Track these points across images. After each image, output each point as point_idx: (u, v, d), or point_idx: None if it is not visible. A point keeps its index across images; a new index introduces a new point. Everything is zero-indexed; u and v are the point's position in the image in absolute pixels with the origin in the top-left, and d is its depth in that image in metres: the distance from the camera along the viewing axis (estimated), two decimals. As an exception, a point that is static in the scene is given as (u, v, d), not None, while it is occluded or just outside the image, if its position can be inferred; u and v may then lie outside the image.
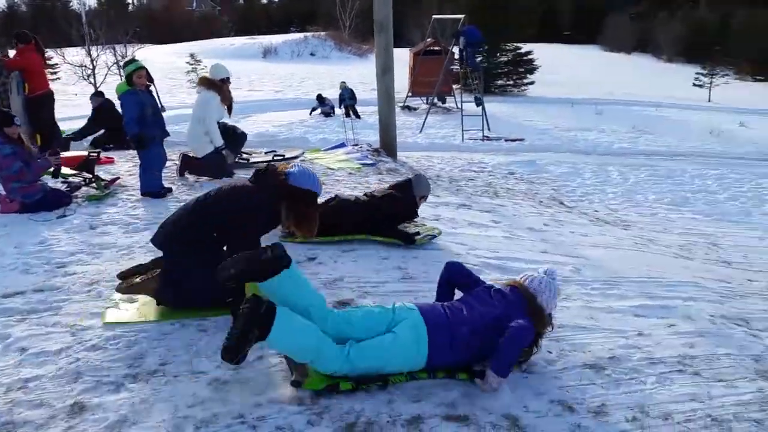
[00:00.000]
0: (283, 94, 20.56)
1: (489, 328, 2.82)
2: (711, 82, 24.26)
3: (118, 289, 3.41)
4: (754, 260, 5.72)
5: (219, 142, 6.34)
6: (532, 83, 21.83)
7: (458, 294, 3.28)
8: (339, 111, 15.31)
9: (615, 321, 3.82)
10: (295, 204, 3.20)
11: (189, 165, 6.47)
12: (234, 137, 6.96)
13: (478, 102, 14.03)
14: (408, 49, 21.01)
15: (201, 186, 6.01)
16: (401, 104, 16.16)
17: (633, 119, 15.40)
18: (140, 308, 3.42)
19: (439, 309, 2.94)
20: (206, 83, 6.46)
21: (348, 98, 15.35)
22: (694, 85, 25.14)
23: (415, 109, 16.32)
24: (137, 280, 3.42)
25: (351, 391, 2.67)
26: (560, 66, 32.67)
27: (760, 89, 29.79)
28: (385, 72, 8.15)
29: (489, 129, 13.04)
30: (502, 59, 22.00)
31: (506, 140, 12.02)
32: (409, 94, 16.57)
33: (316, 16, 48.92)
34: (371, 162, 7.74)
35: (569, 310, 3.91)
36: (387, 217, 4.39)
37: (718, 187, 8.90)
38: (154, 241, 3.46)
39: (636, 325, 3.79)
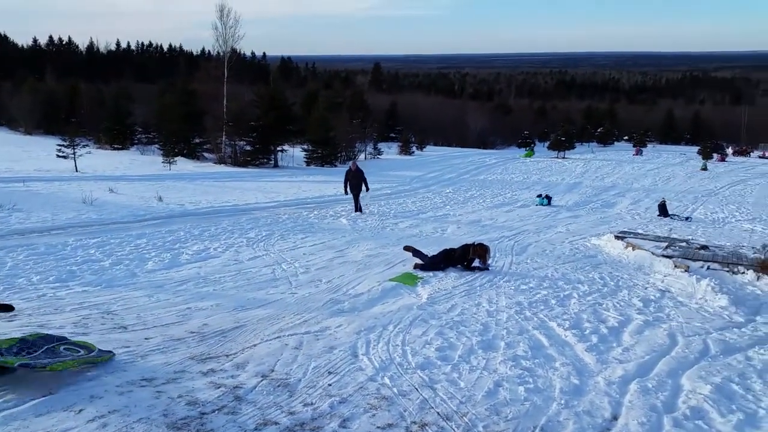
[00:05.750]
0: None
1: None
2: (74, 153, 24.75)
3: None
4: (147, 319, 6.10)
5: None
6: None
7: None
8: None
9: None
10: None
11: None
12: None
13: None
14: None
15: None
16: None
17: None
18: None
19: None
20: None
21: None
22: (59, 156, 25.11)
23: None
24: None
25: None
26: None
27: (119, 157, 32.32)
28: None
29: None
30: None
31: None
32: None
33: None
34: None
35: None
36: None
37: (102, 255, 9.10)
38: None
39: (40, 425, 3.47)
